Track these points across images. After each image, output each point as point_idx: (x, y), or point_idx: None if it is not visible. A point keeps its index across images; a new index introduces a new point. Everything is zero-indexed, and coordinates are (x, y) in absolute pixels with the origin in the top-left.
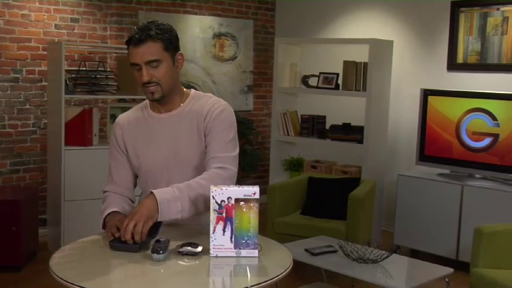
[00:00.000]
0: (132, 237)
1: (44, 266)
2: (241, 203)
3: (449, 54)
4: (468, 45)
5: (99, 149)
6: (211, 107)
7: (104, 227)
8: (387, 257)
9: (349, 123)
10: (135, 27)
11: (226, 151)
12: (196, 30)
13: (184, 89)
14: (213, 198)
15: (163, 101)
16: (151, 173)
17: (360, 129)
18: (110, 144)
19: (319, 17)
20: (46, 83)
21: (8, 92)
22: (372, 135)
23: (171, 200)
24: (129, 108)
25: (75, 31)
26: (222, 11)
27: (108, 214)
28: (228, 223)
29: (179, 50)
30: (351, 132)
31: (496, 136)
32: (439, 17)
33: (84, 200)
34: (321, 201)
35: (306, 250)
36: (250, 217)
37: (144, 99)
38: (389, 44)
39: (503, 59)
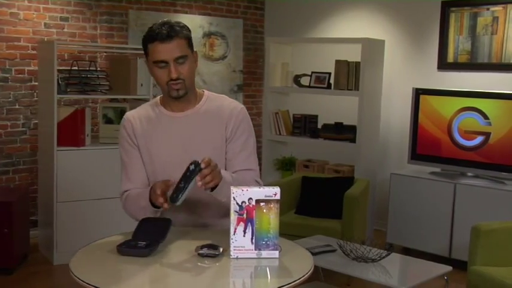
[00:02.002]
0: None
1: (36, 268)
2: (262, 203)
3: (440, 53)
4: (458, 44)
5: (92, 149)
6: (232, 111)
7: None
8: (386, 255)
9: (342, 123)
10: (155, 25)
11: (256, 162)
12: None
13: (197, 90)
14: (234, 199)
15: (183, 99)
16: (163, 172)
17: (352, 129)
18: (121, 141)
19: (308, 17)
20: (36, 83)
21: None
22: (364, 135)
23: (228, 183)
24: (122, 108)
25: (65, 30)
26: (211, 10)
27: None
28: (249, 224)
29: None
30: (343, 132)
31: (487, 135)
32: (430, 17)
33: (76, 201)
34: (316, 200)
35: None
36: (270, 218)
37: (138, 100)
38: (381, 43)
39: (493, 58)
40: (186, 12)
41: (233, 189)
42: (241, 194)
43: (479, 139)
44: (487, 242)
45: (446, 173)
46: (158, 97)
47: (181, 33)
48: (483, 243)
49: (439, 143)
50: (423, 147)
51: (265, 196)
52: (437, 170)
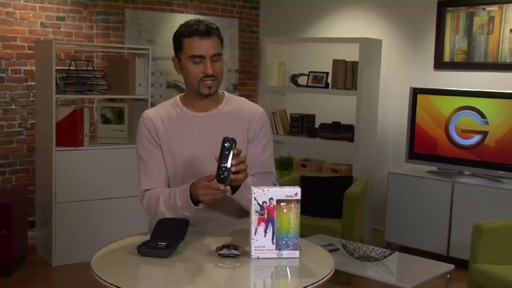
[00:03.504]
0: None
1: (35, 269)
2: (282, 203)
3: (436, 53)
4: (455, 44)
5: (91, 149)
6: (255, 113)
7: (195, 203)
8: (389, 254)
9: (339, 122)
10: (191, 21)
11: (273, 165)
12: None
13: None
14: (255, 199)
15: (210, 98)
16: (184, 172)
17: (349, 128)
18: (141, 139)
19: (303, 17)
20: (32, 83)
21: None
22: (362, 134)
23: (249, 186)
24: (120, 108)
25: (61, 30)
26: (207, 9)
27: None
28: (270, 224)
29: None
30: (340, 131)
31: (485, 134)
32: (426, 17)
33: (75, 201)
34: (315, 199)
35: None
36: (291, 218)
37: (137, 99)
38: (378, 42)
39: (489, 58)
40: (182, 12)
41: (254, 189)
42: (262, 194)
43: (476, 138)
44: (488, 240)
45: (444, 172)
46: (177, 96)
47: (217, 32)
48: (485, 241)
49: (437, 142)
50: (420, 146)
51: (286, 196)
52: (434, 169)
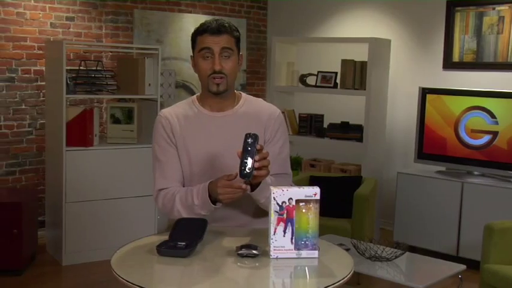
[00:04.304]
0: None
1: (45, 269)
2: (301, 203)
3: (445, 53)
4: (464, 44)
5: (100, 149)
6: (272, 114)
7: (213, 201)
8: (400, 254)
9: (348, 122)
10: (206, 21)
11: (289, 167)
12: (191, 29)
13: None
14: (274, 199)
15: (222, 96)
16: (200, 172)
17: (358, 128)
18: (157, 138)
19: (311, 16)
20: (42, 83)
21: (4, 92)
22: (371, 134)
23: (269, 185)
24: (130, 108)
25: (71, 30)
26: (215, 9)
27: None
28: (289, 224)
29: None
30: (349, 131)
31: (495, 134)
32: (435, 16)
33: (85, 201)
34: (324, 199)
35: None
36: (309, 218)
37: (146, 100)
38: (387, 42)
39: (499, 57)
40: (190, 12)
41: (273, 189)
42: (281, 194)
43: (486, 138)
44: (500, 240)
45: (453, 172)
46: (194, 96)
47: (230, 30)
48: (496, 241)
49: (446, 142)
50: (429, 146)
51: (306, 196)
52: (443, 169)
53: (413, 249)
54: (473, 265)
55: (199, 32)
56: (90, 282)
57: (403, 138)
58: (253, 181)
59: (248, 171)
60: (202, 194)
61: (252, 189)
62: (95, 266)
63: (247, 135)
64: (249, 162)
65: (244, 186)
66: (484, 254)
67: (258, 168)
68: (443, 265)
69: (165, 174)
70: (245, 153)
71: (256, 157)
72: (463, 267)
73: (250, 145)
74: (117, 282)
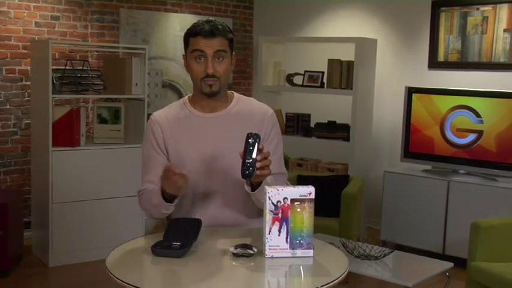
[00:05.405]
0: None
1: (31, 270)
2: (296, 203)
3: (431, 52)
4: (449, 43)
5: (87, 149)
6: (265, 114)
7: (168, 199)
8: (389, 253)
9: (335, 121)
10: (199, 21)
11: (284, 166)
12: (177, 28)
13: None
14: (269, 199)
15: (215, 97)
16: (192, 173)
17: (345, 127)
18: (146, 143)
19: (297, 16)
20: (27, 82)
21: None
22: (357, 133)
23: (269, 184)
24: (117, 107)
25: (56, 29)
26: (201, 9)
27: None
28: (284, 224)
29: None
30: (336, 130)
31: (480, 133)
32: (420, 17)
33: (72, 202)
34: None
35: None
36: (304, 217)
37: (133, 99)
38: (373, 42)
39: (483, 57)
40: (177, 11)
41: (268, 188)
42: (276, 194)
43: (471, 137)
44: (486, 238)
45: (439, 171)
46: (186, 97)
47: (223, 32)
48: (483, 239)
49: (432, 141)
50: (416, 145)
51: (300, 195)
52: (429, 167)
53: (399, 248)
54: (459, 263)
55: (192, 33)
56: (77, 283)
57: (390, 138)
58: (254, 181)
59: (250, 171)
60: (157, 193)
61: (253, 189)
62: (82, 267)
63: (249, 135)
64: (251, 162)
65: (178, 171)
66: (471, 252)
67: (260, 168)
68: (432, 263)
69: (149, 178)
70: (247, 153)
71: (258, 157)
72: (450, 265)
73: (252, 145)
74: (111, 282)
